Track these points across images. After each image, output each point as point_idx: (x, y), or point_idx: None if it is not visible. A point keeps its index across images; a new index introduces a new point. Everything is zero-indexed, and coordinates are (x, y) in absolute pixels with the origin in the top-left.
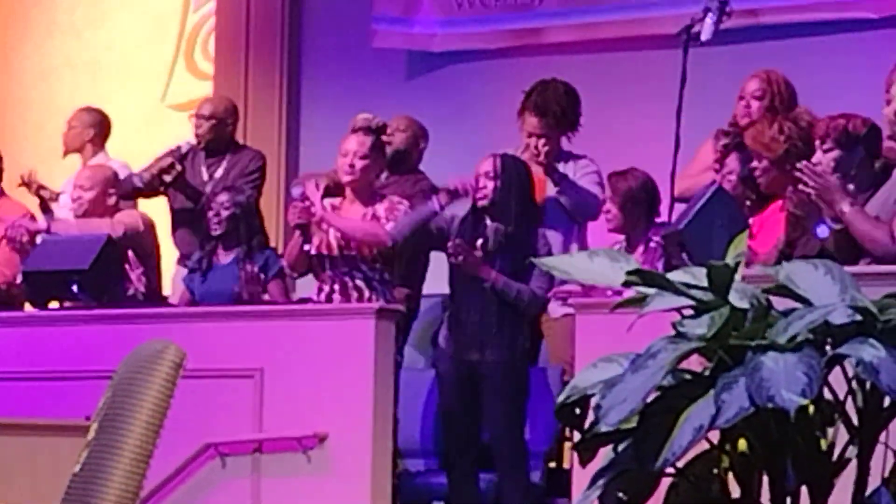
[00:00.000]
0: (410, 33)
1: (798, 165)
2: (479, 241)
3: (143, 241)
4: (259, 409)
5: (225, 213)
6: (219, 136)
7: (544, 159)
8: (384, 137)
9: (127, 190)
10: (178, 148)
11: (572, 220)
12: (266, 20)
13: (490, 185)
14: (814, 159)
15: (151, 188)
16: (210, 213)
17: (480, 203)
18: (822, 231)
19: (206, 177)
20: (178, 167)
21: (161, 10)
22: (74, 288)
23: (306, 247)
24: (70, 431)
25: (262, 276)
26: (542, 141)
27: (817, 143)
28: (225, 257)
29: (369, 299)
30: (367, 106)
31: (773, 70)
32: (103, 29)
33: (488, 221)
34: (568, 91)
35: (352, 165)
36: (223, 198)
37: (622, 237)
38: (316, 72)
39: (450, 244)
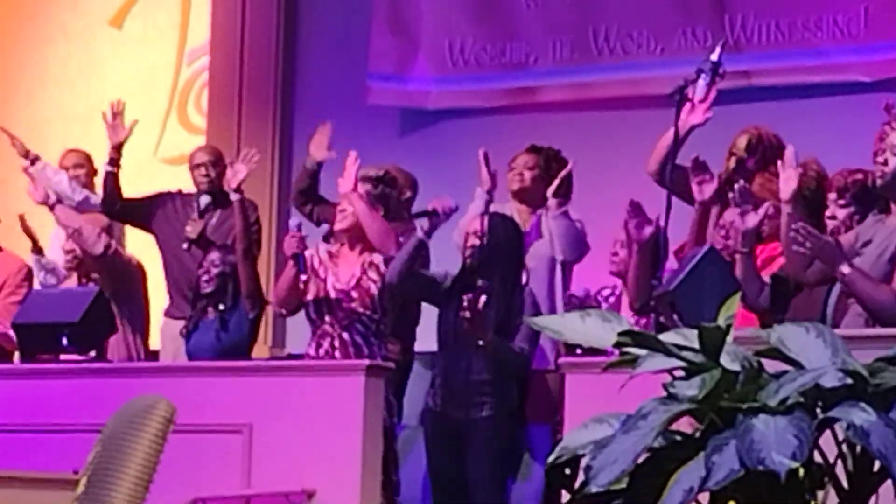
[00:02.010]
0: (405, 90)
1: (794, 227)
2: (483, 299)
3: (130, 275)
4: (248, 465)
5: (215, 271)
6: (211, 183)
7: (528, 184)
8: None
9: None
10: (169, 194)
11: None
12: (259, 75)
13: (476, 243)
14: (828, 213)
15: (133, 214)
16: (200, 271)
17: (467, 262)
18: (845, 267)
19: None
20: (201, 223)
21: (154, 63)
22: (64, 341)
23: (303, 277)
24: (58, 485)
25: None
26: (530, 173)
27: (832, 196)
28: (212, 314)
29: (368, 356)
30: (360, 162)
31: (760, 126)
32: (96, 81)
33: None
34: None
35: (342, 211)
36: (214, 256)
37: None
38: (309, 127)
39: (465, 297)
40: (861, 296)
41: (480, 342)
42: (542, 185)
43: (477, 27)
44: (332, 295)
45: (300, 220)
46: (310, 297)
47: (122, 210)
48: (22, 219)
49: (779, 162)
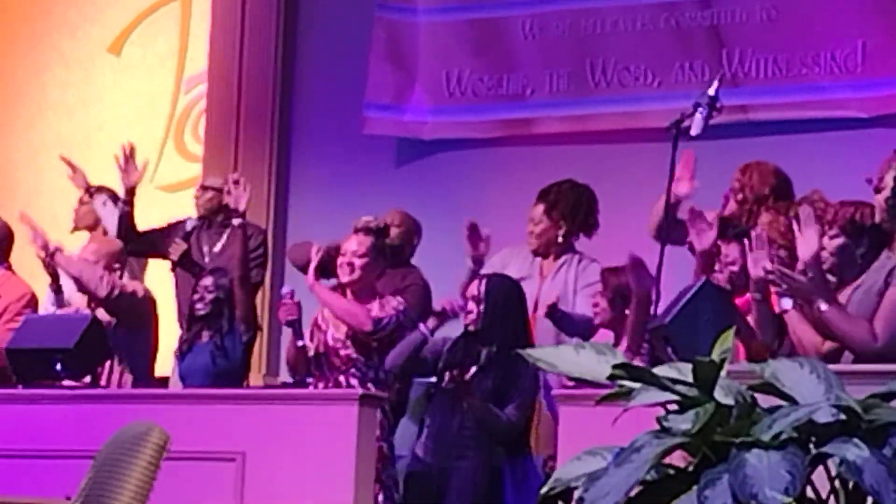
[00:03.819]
0: (401, 121)
1: (768, 268)
2: (473, 369)
3: (137, 308)
4: (241, 493)
5: (209, 297)
6: (217, 208)
7: (540, 239)
8: (387, 240)
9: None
10: (184, 223)
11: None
12: (257, 103)
13: (476, 309)
14: (833, 243)
15: (153, 245)
16: (195, 297)
17: (468, 327)
18: (786, 303)
19: (206, 249)
20: (184, 245)
21: (152, 91)
22: (58, 367)
23: (299, 343)
24: None
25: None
26: (538, 227)
27: (825, 227)
28: (206, 336)
29: None
30: (356, 192)
31: (756, 163)
32: (95, 108)
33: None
34: (583, 193)
35: (350, 264)
36: (207, 281)
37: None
38: (306, 156)
39: (447, 375)
40: (838, 332)
41: (465, 404)
42: (553, 229)
43: (474, 58)
44: (331, 344)
45: (292, 287)
46: (311, 352)
47: (140, 245)
48: (50, 254)
49: (794, 223)
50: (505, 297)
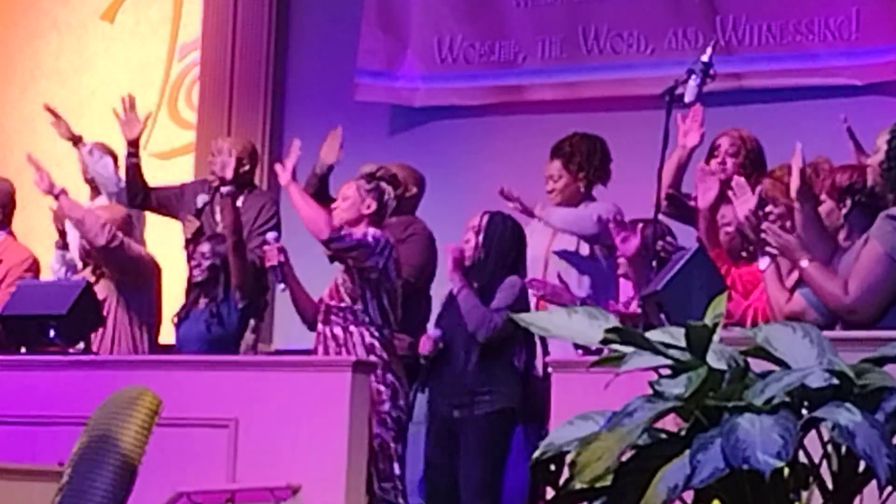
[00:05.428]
0: (393, 87)
1: (762, 227)
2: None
3: (141, 270)
4: (233, 459)
5: (206, 263)
6: (234, 175)
7: (557, 198)
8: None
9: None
10: (199, 184)
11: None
12: (250, 71)
13: (474, 239)
14: (820, 209)
15: (165, 203)
16: (192, 263)
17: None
18: (763, 262)
19: (218, 216)
20: (196, 222)
21: (146, 58)
22: (51, 333)
23: (280, 287)
24: (43, 476)
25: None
26: (560, 182)
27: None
28: (202, 303)
29: (344, 344)
30: (349, 159)
31: (740, 128)
32: (88, 75)
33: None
34: (595, 142)
35: (336, 207)
36: (204, 248)
37: None
38: (299, 123)
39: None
40: (817, 290)
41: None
42: (575, 182)
43: (466, 25)
44: (325, 296)
45: (276, 234)
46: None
47: (150, 198)
48: (55, 212)
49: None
50: (502, 232)
